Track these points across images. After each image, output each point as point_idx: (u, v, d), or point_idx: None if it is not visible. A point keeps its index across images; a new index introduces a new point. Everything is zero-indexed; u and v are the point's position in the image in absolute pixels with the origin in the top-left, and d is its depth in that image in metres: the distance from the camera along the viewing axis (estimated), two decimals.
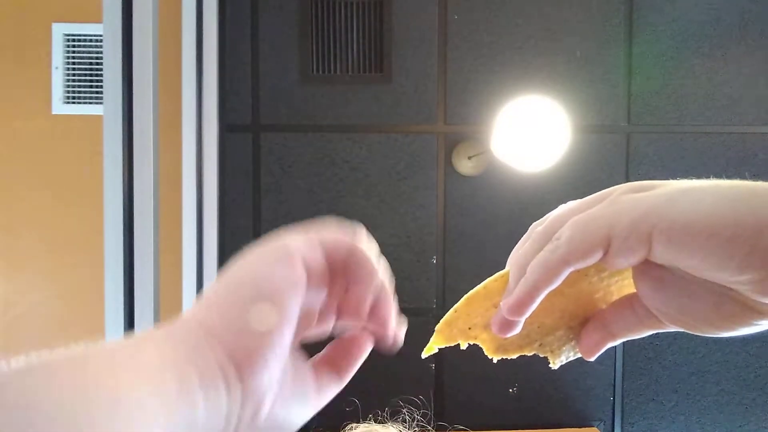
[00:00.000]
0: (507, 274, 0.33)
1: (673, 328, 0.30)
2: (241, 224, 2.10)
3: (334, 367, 0.33)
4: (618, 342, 0.32)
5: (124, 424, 0.22)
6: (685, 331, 0.30)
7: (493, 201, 2.08)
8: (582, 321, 0.33)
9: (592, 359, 0.33)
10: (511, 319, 0.30)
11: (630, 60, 2.10)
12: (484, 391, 2.10)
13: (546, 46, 2.09)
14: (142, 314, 1.34)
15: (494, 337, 0.33)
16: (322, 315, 0.33)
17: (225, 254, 2.08)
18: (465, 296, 0.33)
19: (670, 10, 2.10)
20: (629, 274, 0.32)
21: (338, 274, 0.31)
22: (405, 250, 2.09)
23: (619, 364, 2.14)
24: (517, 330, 0.31)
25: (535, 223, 0.32)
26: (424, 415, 0.91)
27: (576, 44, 2.10)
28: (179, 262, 1.95)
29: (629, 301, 0.32)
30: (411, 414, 0.91)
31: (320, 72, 2.07)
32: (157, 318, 1.39)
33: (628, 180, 2.22)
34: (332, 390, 0.32)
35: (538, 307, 0.30)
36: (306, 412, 0.30)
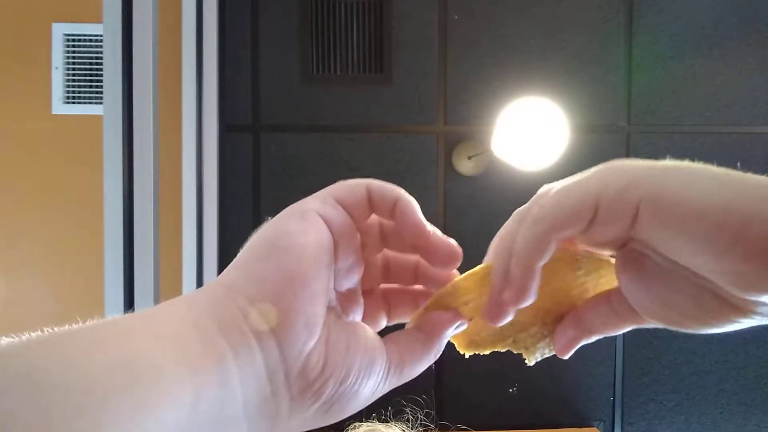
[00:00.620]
0: (478, 272, 0.32)
1: (652, 324, 0.29)
2: (241, 224, 2.10)
3: (420, 330, 0.31)
4: (593, 339, 0.32)
5: (143, 391, 0.20)
6: (664, 326, 0.29)
7: (493, 201, 2.08)
8: (557, 318, 0.33)
9: (566, 357, 0.32)
10: (515, 303, 0.29)
11: (630, 60, 2.10)
12: (484, 390, 2.10)
13: (546, 46, 2.09)
14: None
15: (466, 332, 0.32)
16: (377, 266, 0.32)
17: (225, 254, 2.08)
18: (433, 296, 0.32)
19: (670, 10, 2.10)
20: (606, 272, 0.32)
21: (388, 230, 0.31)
22: None
23: (619, 364, 2.14)
24: (510, 317, 0.30)
25: (517, 209, 0.31)
26: (427, 415, 0.91)
27: (576, 44, 2.10)
28: (179, 262, 1.95)
29: (607, 296, 0.31)
30: (414, 413, 0.91)
31: (320, 72, 2.07)
32: None
33: None
34: (418, 355, 0.30)
35: None
36: (374, 379, 0.28)
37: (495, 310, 0.30)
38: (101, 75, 2.10)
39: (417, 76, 2.09)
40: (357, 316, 0.32)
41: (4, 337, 0.21)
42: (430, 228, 0.31)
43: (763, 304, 0.25)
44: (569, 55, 2.09)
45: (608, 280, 0.32)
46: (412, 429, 0.82)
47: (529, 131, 1.78)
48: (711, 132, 2.12)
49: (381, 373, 0.28)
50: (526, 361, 0.34)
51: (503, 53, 2.09)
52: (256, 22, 2.08)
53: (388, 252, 0.33)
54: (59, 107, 2.31)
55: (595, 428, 2.10)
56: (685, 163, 0.26)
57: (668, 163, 0.27)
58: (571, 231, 0.27)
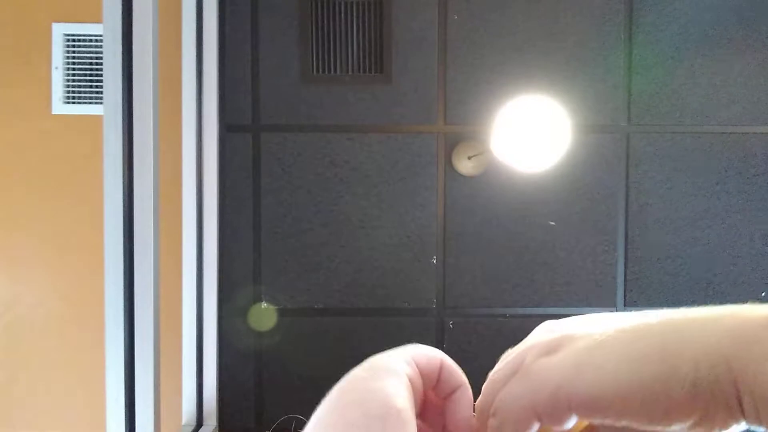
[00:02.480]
0: None
1: None
2: (241, 224, 2.10)
3: None
4: None
5: None
6: None
7: (493, 201, 2.08)
8: None
9: None
10: None
11: (630, 60, 2.10)
12: None
13: (546, 46, 2.09)
14: (142, 314, 1.35)
15: None
16: None
17: (225, 254, 2.08)
18: None
19: (670, 10, 2.10)
20: None
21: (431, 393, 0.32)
22: (405, 250, 2.09)
23: None
24: None
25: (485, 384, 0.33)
26: None
27: (576, 44, 2.10)
28: (179, 262, 1.95)
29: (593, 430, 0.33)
30: None
31: (320, 72, 2.07)
32: (157, 319, 1.39)
33: (627, 180, 2.22)
34: None
35: None
36: None
37: None
38: (101, 75, 2.10)
39: (417, 76, 2.09)
40: None
41: None
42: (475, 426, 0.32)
43: None
44: (569, 55, 2.09)
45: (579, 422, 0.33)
46: None
47: (529, 131, 1.78)
48: (711, 132, 2.12)
49: None
50: None
51: (503, 53, 2.09)
52: (256, 22, 2.08)
53: None
54: (59, 107, 2.31)
55: None
56: (601, 338, 0.27)
57: (582, 345, 0.28)
58: None
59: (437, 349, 0.32)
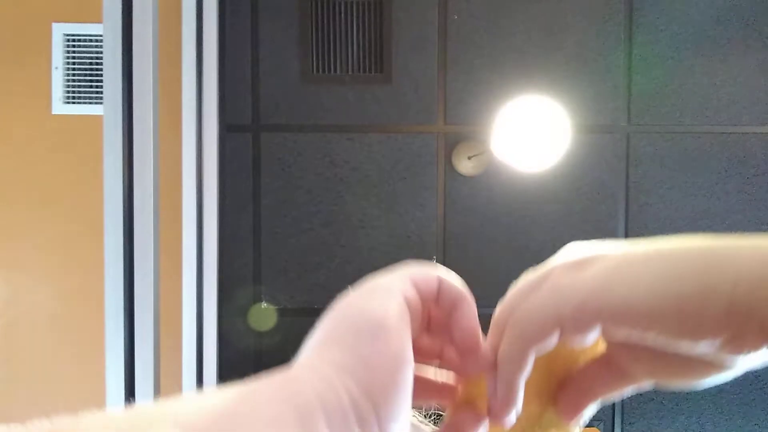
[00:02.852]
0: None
1: (648, 384, 0.31)
2: (241, 224, 2.10)
3: None
4: (599, 401, 0.33)
5: None
6: (658, 385, 0.30)
7: (493, 201, 2.08)
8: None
9: (576, 423, 0.33)
10: (504, 413, 0.30)
11: (630, 60, 2.10)
12: None
13: (546, 46, 2.09)
14: (142, 314, 1.34)
15: None
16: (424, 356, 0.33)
17: (225, 254, 2.08)
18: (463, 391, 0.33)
19: (670, 10, 2.10)
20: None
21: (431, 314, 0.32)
22: (405, 250, 2.09)
23: None
24: (510, 418, 0.31)
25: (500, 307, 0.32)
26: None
27: (576, 44, 2.10)
28: (179, 262, 1.95)
29: (606, 360, 0.32)
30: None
31: (320, 72, 2.07)
32: (157, 318, 1.39)
33: (627, 180, 2.22)
34: None
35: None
36: None
37: (492, 415, 0.31)
38: (101, 75, 2.10)
39: (417, 76, 2.09)
40: None
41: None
42: (482, 338, 0.32)
43: (737, 359, 0.26)
44: (569, 55, 2.09)
45: (594, 346, 0.33)
46: (424, 416, 0.82)
47: (529, 131, 1.78)
48: (711, 132, 2.12)
49: None
50: None
51: (503, 53, 2.09)
52: (256, 22, 2.08)
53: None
54: (59, 107, 2.31)
55: (595, 428, 2.10)
56: (630, 256, 0.27)
57: (612, 262, 0.27)
58: (544, 347, 0.29)
59: (436, 266, 0.31)
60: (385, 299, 0.28)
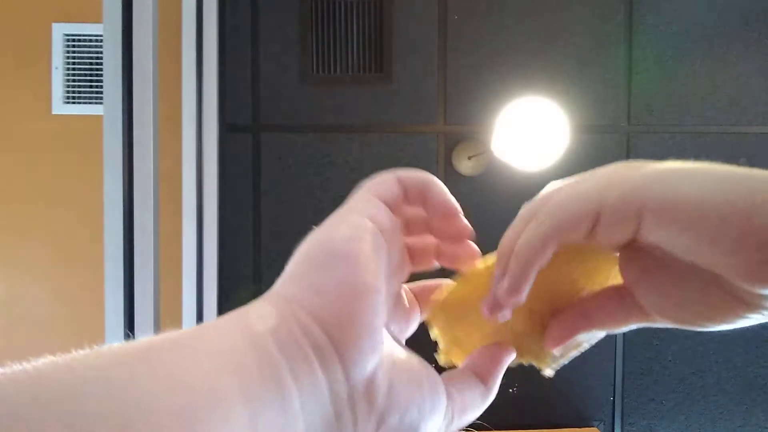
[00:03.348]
0: (480, 271, 0.32)
1: (660, 322, 0.29)
2: (241, 224, 2.10)
3: (476, 373, 0.31)
4: (591, 333, 0.31)
5: (195, 418, 0.18)
6: (674, 325, 0.29)
7: (493, 201, 2.08)
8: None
9: (557, 349, 0.32)
10: (507, 300, 0.29)
11: (630, 60, 2.10)
12: None
13: (546, 46, 2.09)
14: (142, 314, 1.34)
15: (468, 345, 0.33)
16: (418, 257, 0.32)
17: (225, 254, 2.08)
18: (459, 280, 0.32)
19: (670, 10, 2.10)
20: (603, 268, 0.31)
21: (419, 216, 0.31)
22: None
23: (619, 364, 2.14)
24: (507, 314, 0.30)
25: (525, 204, 0.32)
26: None
27: (576, 44, 2.10)
28: (179, 262, 1.95)
29: (617, 291, 0.31)
30: None
31: (320, 72, 2.07)
32: (157, 319, 1.39)
33: None
34: (473, 392, 0.30)
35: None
36: (438, 418, 0.26)
37: (490, 303, 0.30)
38: (101, 75, 2.10)
39: (417, 76, 2.09)
40: (404, 323, 0.32)
41: (42, 358, 0.19)
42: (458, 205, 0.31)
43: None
44: (569, 55, 2.09)
45: (606, 276, 0.32)
46: None
47: (529, 131, 1.78)
48: (711, 132, 2.12)
49: (444, 416, 0.27)
50: (543, 371, 0.34)
51: (503, 53, 2.09)
52: (256, 22, 2.08)
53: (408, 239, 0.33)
54: (59, 107, 2.31)
55: (595, 428, 2.10)
56: (686, 164, 0.27)
57: (669, 165, 0.27)
58: (572, 237, 0.27)
59: (390, 172, 0.31)
60: (342, 227, 0.27)
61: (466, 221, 0.32)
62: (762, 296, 0.25)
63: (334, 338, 0.23)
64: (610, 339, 2.08)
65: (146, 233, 1.33)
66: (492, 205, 2.08)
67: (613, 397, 2.14)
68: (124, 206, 1.30)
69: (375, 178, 0.30)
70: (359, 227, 0.27)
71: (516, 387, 2.10)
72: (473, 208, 2.17)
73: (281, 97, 2.09)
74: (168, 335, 0.21)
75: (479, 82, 2.09)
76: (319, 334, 0.23)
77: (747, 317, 0.26)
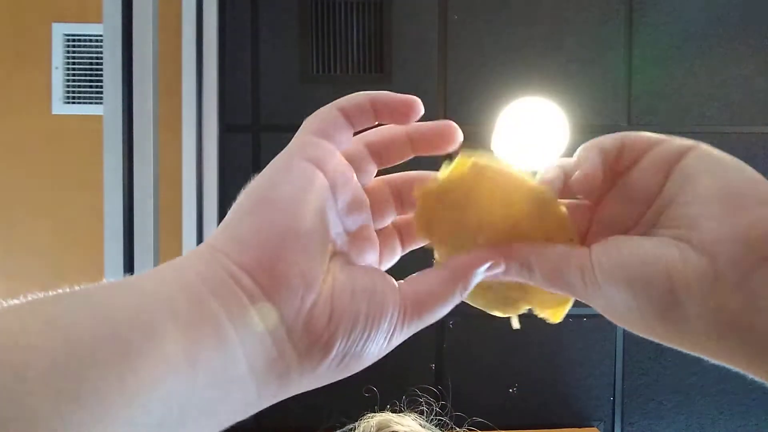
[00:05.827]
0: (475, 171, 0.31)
1: (589, 293, 0.29)
2: None
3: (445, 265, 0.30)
4: (521, 272, 0.30)
5: (134, 352, 0.19)
6: (606, 314, 0.29)
7: None
8: None
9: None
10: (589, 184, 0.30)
11: (630, 60, 2.10)
12: (485, 391, 2.10)
13: (546, 46, 2.09)
14: None
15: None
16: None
17: None
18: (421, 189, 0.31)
19: (670, 10, 2.10)
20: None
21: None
22: None
23: (619, 364, 2.14)
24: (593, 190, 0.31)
25: None
26: (443, 407, 0.91)
27: (576, 44, 2.10)
28: None
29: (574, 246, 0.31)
30: (429, 405, 0.90)
31: (320, 72, 2.07)
32: None
33: None
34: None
35: None
36: (387, 325, 0.26)
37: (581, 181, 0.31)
38: (101, 75, 2.10)
39: (417, 76, 2.09)
40: (372, 254, 0.31)
41: None
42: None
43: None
44: (569, 55, 2.09)
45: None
46: (426, 420, 0.82)
47: (529, 131, 1.78)
48: (711, 132, 2.12)
49: (394, 318, 0.26)
50: (512, 323, 0.33)
51: (503, 53, 2.09)
52: (256, 22, 2.08)
53: (393, 180, 0.33)
54: (59, 107, 2.31)
55: (595, 428, 2.10)
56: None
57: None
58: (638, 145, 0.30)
59: (331, 104, 0.30)
60: (274, 171, 0.27)
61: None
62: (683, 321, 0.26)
63: (260, 283, 0.23)
64: (610, 339, 2.08)
65: (146, 233, 1.33)
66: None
67: (613, 397, 2.14)
68: (124, 206, 1.30)
69: (315, 114, 0.30)
70: (292, 170, 0.26)
71: (516, 387, 2.11)
72: None
73: (281, 97, 2.09)
74: (105, 282, 0.22)
75: (479, 82, 2.09)
76: (246, 280, 0.23)
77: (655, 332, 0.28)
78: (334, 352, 0.24)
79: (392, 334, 0.26)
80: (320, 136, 0.29)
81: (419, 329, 0.28)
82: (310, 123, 0.30)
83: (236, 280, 0.23)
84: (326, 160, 0.28)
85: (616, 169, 0.30)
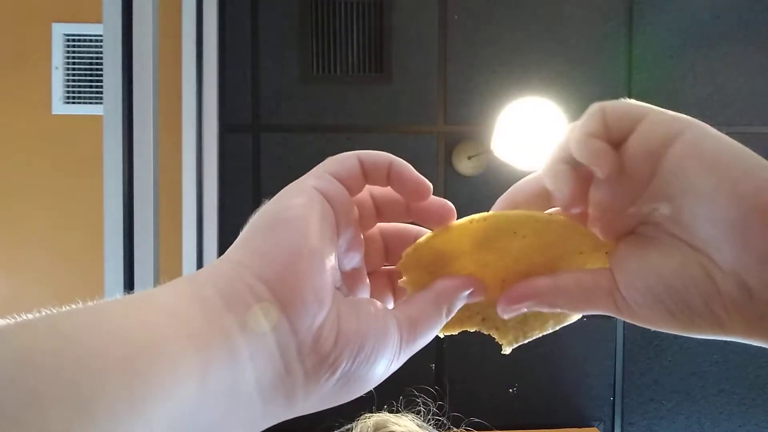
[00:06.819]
0: (474, 227, 0.32)
1: (626, 317, 0.29)
2: (241, 224, 2.09)
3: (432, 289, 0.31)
4: (556, 304, 0.30)
5: (145, 367, 0.19)
6: (641, 322, 0.29)
7: (493, 201, 2.07)
8: None
9: (508, 315, 0.31)
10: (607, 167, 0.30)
11: (630, 60, 2.11)
12: (484, 391, 2.10)
13: (546, 46, 2.09)
14: None
15: None
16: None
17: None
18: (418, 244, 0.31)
19: (670, 10, 2.10)
20: (596, 259, 0.31)
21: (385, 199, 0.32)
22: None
23: (619, 364, 2.14)
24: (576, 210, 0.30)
25: None
26: (440, 408, 0.91)
27: (576, 44, 2.10)
28: (179, 262, 1.95)
29: (594, 270, 0.31)
30: (426, 405, 0.90)
31: (320, 72, 2.07)
32: None
33: None
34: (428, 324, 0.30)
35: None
36: (390, 349, 0.27)
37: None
38: (101, 75, 2.10)
39: (417, 76, 2.09)
40: (365, 295, 0.32)
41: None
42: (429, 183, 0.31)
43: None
44: (569, 55, 2.09)
45: (585, 260, 0.31)
46: (423, 420, 0.82)
47: (529, 131, 1.78)
48: None
49: (396, 342, 0.27)
50: (502, 349, 0.33)
51: (503, 53, 2.09)
52: (256, 22, 2.08)
53: (386, 230, 0.33)
54: (59, 107, 2.31)
55: (595, 428, 2.10)
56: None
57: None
58: (604, 133, 0.29)
59: (353, 151, 0.31)
60: (289, 197, 0.28)
61: (447, 202, 0.32)
62: (729, 309, 0.26)
63: (278, 295, 0.24)
64: (610, 339, 2.08)
65: (146, 233, 1.33)
66: (492, 205, 2.08)
67: (613, 397, 2.14)
68: (124, 206, 1.30)
69: (335, 156, 0.31)
70: (306, 196, 0.28)
71: (516, 387, 2.11)
72: (473, 209, 2.16)
73: (281, 97, 2.09)
74: (117, 299, 0.22)
75: (479, 82, 2.09)
76: (264, 292, 0.24)
77: (715, 334, 0.27)
78: (339, 373, 0.25)
79: (393, 358, 0.27)
80: (335, 177, 0.30)
81: (414, 352, 0.29)
82: (329, 163, 0.31)
83: (254, 294, 0.24)
84: (336, 197, 0.29)
85: (610, 143, 0.30)
